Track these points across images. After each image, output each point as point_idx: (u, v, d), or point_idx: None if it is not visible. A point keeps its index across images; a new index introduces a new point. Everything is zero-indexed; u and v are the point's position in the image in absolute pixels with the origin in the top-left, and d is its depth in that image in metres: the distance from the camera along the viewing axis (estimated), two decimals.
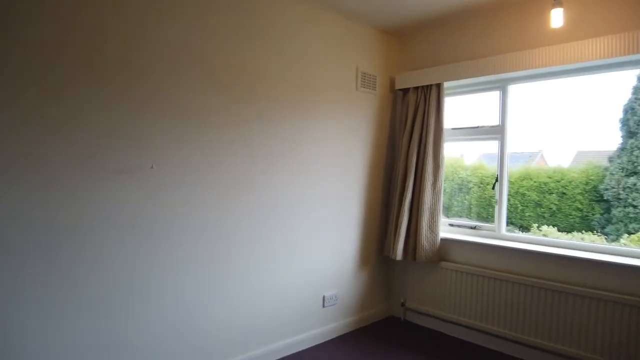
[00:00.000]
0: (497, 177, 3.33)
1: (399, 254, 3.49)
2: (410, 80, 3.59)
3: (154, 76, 2.32)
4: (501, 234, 3.28)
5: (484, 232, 3.39)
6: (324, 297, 3.32)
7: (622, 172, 6.44)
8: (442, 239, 3.44)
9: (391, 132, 3.87)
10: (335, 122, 3.31)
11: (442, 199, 3.46)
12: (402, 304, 3.70)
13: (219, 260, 2.65)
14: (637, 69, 2.76)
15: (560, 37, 2.83)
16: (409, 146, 3.55)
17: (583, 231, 3.45)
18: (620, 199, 6.80)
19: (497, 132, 3.33)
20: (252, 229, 2.81)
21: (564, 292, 2.76)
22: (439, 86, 3.43)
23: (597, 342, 2.62)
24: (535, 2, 2.96)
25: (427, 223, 3.43)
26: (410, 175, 3.48)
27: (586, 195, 7.11)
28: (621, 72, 2.82)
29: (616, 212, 7.06)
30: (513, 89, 3.29)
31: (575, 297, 2.72)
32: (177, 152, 2.43)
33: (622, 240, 6.59)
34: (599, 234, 3.39)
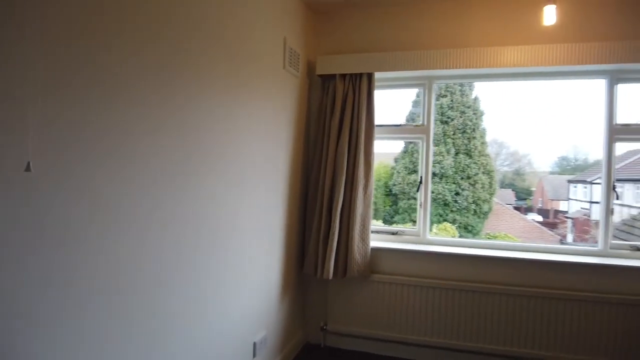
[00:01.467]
0: (421, 179, 3.19)
1: (330, 272, 2.93)
2: (336, 65, 3.01)
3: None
4: (427, 239, 3.17)
5: (408, 237, 3.21)
6: (254, 345, 2.46)
7: (405, 170, 7.61)
8: (372, 249, 3.07)
9: (307, 127, 3.21)
10: (259, 112, 2.43)
11: (372, 203, 3.08)
12: (323, 328, 3.16)
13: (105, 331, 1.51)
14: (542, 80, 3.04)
15: (494, 40, 2.85)
16: (337, 144, 2.99)
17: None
18: (404, 192, 8.00)
19: (421, 131, 3.17)
20: (161, 274, 1.75)
21: (498, 293, 2.83)
22: (370, 76, 3.00)
23: (535, 339, 2.80)
24: None
25: (359, 233, 2.99)
26: (341, 178, 2.94)
27: (379, 190, 8.07)
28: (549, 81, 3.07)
29: (402, 204, 8.28)
30: (437, 87, 3.18)
31: (511, 297, 2.82)
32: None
33: (433, 230, 7.68)
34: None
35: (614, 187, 2.84)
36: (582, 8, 2.70)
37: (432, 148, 3.15)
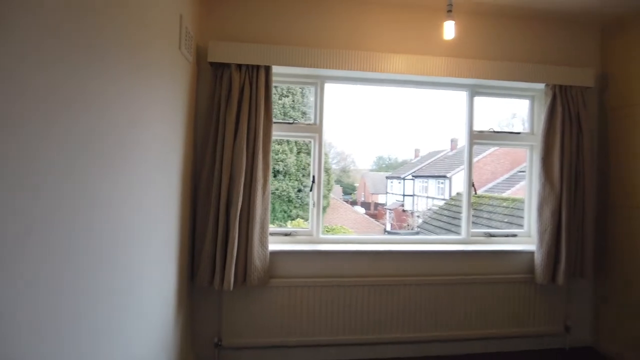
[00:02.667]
0: (313, 178, 3.17)
1: (231, 282, 2.65)
2: (232, 54, 2.72)
3: None
4: (320, 238, 3.16)
5: (302, 237, 3.15)
6: None
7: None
8: (270, 253, 2.90)
9: (196, 121, 2.81)
10: (153, 101, 2.03)
11: (270, 205, 2.91)
12: (217, 344, 2.84)
13: None
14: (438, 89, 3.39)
15: (388, 47, 3.04)
16: (235, 142, 2.72)
17: None
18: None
19: (313, 130, 3.15)
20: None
21: (391, 285, 3.02)
22: (268, 70, 2.82)
23: (428, 321, 3.08)
24: (375, 3, 3.03)
25: (258, 237, 2.79)
26: (239, 179, 2.68)
27: None
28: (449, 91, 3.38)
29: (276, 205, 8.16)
30: (330, 87, 3.20)
31: (402, 287, 3.05)
32: None
33: (288, 226, 7.78)
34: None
35: (472, 184, 3.32)
36: (457, 28, 3.07)
37: (324, 147, 3.15)
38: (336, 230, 9.81)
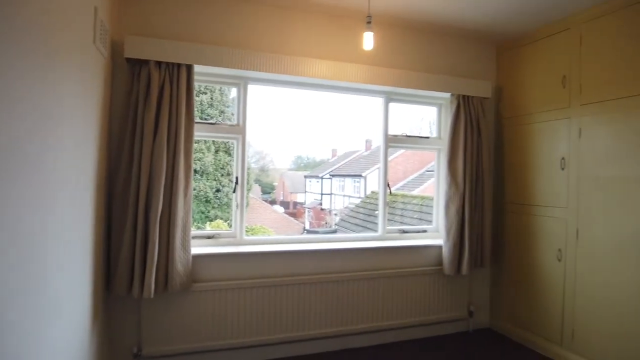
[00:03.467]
0: (237, 179, 3.16)
1: (152, 288, 2.55)
2: (151, 50, 2.61)
3: None
4: (243, 239, 3.16)
5: (225, 240, 3.12)
6: None
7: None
8: (193, 257, 2.84)
9: (110, 119, 2.65)
10: (67, 98, 1.90)
11: (192, 207, 2.84)
12: (137, 354, 2.70)
13: None
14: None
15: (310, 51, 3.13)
16: (154, 143, 2.61)
17: None
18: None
19: (236, 131, 3.14)
20: None
21: (313, 283, 3.12)
22: (189, 68, 2.75)
23: (353, 316, 3.22)
24: (299, 9, 3.10)
25: (180, 240, 2.72)
26: (159, 181, 2.59)
27: None
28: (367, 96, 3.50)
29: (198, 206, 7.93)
30: (253, 89, 3.21)
31: (324, 284, 3.16)
32: None
33: (207, 227, 7.56)
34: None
35: (388, 184, 3.55)
36: (376, 38, 3.26)
37: (247, 148, 3.15)
38: (256, 230, 9.74)
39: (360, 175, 11.58)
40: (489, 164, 3.47)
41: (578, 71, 2.98)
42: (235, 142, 3.16)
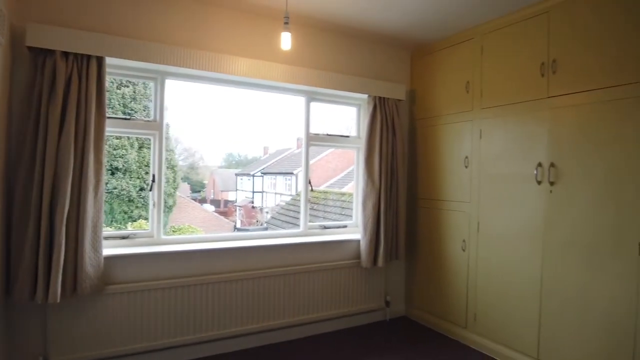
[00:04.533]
0: (153, 177, 3.08)
1: (58, 293, 2.41)
2: (57, 39, 2.46)
3: None
4: (161, 239, 3.09)
5: (142, 240, 3.03)
6: None
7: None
8: (104, 258, 2.72)
9: (11, 111, 2.45)
10: None
11: (103, 206, 2.73)
12: None
13: None
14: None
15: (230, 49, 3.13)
16: (60, 138, 2.47)
17: None
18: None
19: (153, 127, 3.06)
20: None
21: (233, 280, 3.12)
22: (100, 61, 2.64)
23: (274, 311, 3.26)
24: (217, 5, 3.08)
25: (90, 241, 2.60)
26: (66, 179, 2.45)
27: None
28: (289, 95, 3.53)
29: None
30: (171, 84, 3.14)
31: (244, 281, 3.18)
32: None
33: (129, 227, 7.23)
34: None
35: (309, 181, 3.65)
36: (298, 39, 3.32)
37: (164, 145, 3.08)
38: (184, 230, 9.45)
39: (292, 173, 11.66)
40: (403, 162, 3.69)
41: (480, 78, 3.28)
42: (152, 138, 3.07)
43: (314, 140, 3.64)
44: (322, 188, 10.99)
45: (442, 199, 3.61)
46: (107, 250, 2.75)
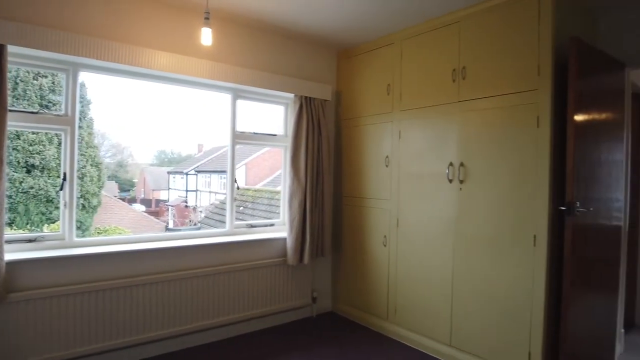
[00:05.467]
0: (64, 176, 2.90)
1: None
2: None
3: None
4: (73, 241, 2.92)
5: (51, 243, 2.84)
6: None
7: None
8: (6, 263, 2.52)
9: None
10: None
11: (5, 208, 2.52)
12: None
13: None
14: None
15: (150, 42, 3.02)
16: None
17: None
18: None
19: (64, 122, 2.88)
20: None
21: (154, 283, 3.01)
22: (2, 49, 2.44)
23: (193, 314, 3.19)
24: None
25: None
26: None
27: None
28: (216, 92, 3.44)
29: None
30: (86, 77, 2.97)
31: (165, 283, 3.08)
32: None
33: (44, 230, 6.77)
34: None
35: (235, 180, 3.62)
36: (222, 35, 3.28)
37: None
38: (110, 231, 8.95)
39: (227, 171, 11.43)
40: (328, 161, 3.78)
41: (399, 81, 3.44)
42: (62, 134, 2.88)
43: (240, 138, 3.62)
44: (258, 186, 10.91)
45: (365, 196, 3.74)
46: (11, 255, 2.55)
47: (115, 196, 11.53)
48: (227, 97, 3.55)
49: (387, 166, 3.52)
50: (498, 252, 2.76)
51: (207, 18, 2.67)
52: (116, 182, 12.75)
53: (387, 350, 3.25)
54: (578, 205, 2.47)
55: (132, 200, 13.14)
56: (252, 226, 3.72)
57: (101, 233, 8.69)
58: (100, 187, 8.36)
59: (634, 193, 3.78)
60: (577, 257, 2.50)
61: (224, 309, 3.36)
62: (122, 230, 9.16)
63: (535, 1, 2.60)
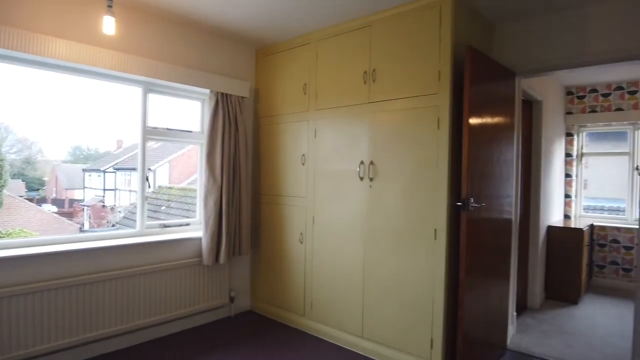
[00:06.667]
0: None
1: None
2: None
3: None
4: None
5: None
6: None
7: None
8: None
9: None
10: None
11: None
12: None
13: None
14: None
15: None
16: None
17: None
18: None
19: None
20: None
21: (59, 288, 2.79)
22: None
23: (109, 318, 2.99)
24: None
25: None
26: None
27: None
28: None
29: None
30: None
31: (75, 287, 2.87)
32: None
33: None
34: None
35: (147, 178, 3.47)
36: (131, 24, 3.11)
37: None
38: (14, 234, 8.15)
39: (149, 169, 10.89)
40: (246, 158, 3.75)
41: (315, 81, 3.49)
42: None
43: (152, 134, 3.47)
44: (182, 185, 10.51)
45: (282, 194, 3.76)
46: None
47: (22, 196, 10.52)
48: (137, 91, 3.39)
49: (303, 164, 3.57)
50: (404, 246, 2.91)
51: (110, 6, 2.54)
52: (23, 181, 11.64)
53: (303, 346, 3.30)
54: (472, 201, 2.69)
55: (42, 201, 12.07)
56: (165, 226, 3.59)
57: (3, 236, 7.90)
58: (2, 186, 7.58)
59: (525, 189, 4.19)
60: (472, 248, 2.71)
61: (138, 312, 3.20)
62: (29, 233, 8.37)
63: (437, 11, 2.77)
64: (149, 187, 3.51)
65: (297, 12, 3.14)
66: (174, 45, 3.45)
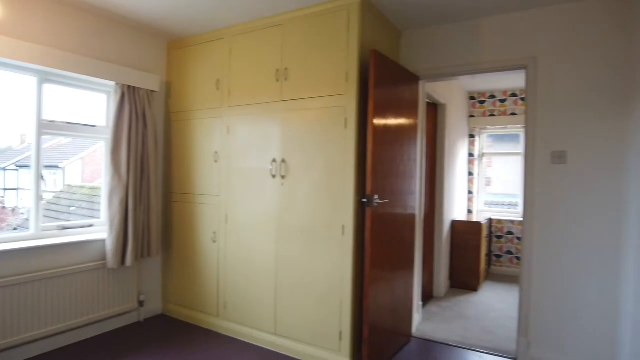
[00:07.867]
0: None
1: None
2: None
3: None
4: None
5: None
6: None
7: None
8: None
9: None
10: None
11: None
12: None
13: None
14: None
15: None
16: None
17: None
18: None
19: None
20: None
21: None
22: None
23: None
24: None
25: None
26: None
27: None
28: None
29: None
30: None
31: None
32: None
33: None
34: None
35: (42, 176, 3.21)
36: (22, 7, 2.84)
37: None
38: None
39: (57, 167, 10.06)
40: (155, 155, 3.60)
41: (229, 77, 3.45)
42: None
43: (48, 128, 3.21)
44: (95, 183, 9.81)
45: (195, 192, 3.67)
46: None
47: None
48: (32, 80, 3.11)
49: (216, 162, 3.51)
50: (315, 242, 2.98)
51: None
52: None
53: (214, 346, 3.24)
54: (377, 197, 2.82)
55: None
56: (65, 228, 3.34)
57: None
58: None
59: (431, 187, 4.48)
60: (377, 242, 2.85)
61: (37, 321, 2.95)
62: None
63: (345, 14, 2.86)
64: (45, 185, 3.23)
65: (206, 6, 3.07)
66: (73, 33, 3.21)
